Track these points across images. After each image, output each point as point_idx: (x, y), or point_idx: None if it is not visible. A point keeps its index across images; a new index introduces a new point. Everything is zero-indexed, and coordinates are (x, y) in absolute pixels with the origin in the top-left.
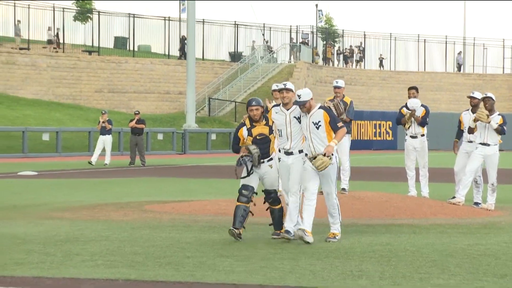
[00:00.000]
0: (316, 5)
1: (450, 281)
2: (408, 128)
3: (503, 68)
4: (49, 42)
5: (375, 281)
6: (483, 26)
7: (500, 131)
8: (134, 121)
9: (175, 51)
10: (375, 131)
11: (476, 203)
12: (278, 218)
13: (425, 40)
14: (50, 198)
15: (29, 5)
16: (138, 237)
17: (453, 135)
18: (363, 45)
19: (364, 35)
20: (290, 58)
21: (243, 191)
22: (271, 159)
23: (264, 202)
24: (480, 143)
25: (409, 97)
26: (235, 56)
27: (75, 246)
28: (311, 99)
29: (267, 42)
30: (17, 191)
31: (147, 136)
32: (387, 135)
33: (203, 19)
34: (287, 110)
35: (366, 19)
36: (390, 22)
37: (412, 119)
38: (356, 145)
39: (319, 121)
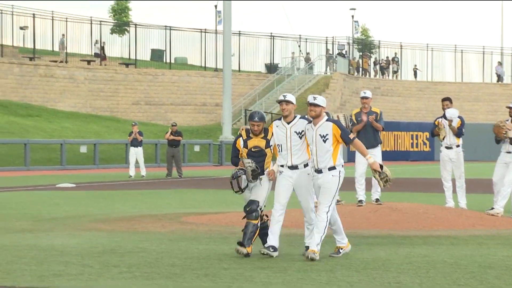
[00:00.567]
0: (352, 16)
1: None
2: (443, 139)
3: None
4: (96, 55)
5: None
6: None
7: None
8: (169, 133)
9: (211, 63)
10: (412, 142)
11: None
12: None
13: (462, 50)
14: (88, 210)
15: (67, 18)
16: (175, 249)
17: (491, 146)
18: (397, 56)
19: (401, 45)
20: (326, 69)
21: (248, 209)
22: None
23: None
24: None
25: (443, 108)
26: (271, 68)
27: (113, 258)
28: (323, 108)
29: (308, 53)
30: (55, 203)
31: (184, 148)
32: (424, 146)
33: (239, 31)
34: (288, 123)
35: (402, 30)
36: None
37: (448, 129)
38: (393, 156)
39: (327, 134)
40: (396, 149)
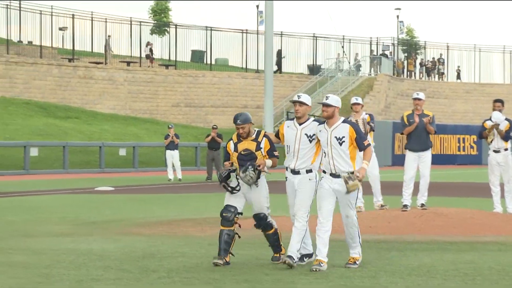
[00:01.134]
0: (397, 16)
1: None
2: (491, 142)
3: None
4: (147, 57)
5: None
6: None
7: None
8: (210, 137)
9: (252, 64)
10: (459, 146)
11: None
12: (273, 242)
13: (510, 51)
14: (127, 213)
15: (106, 18)
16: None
17: None
18: (443, 57)
19: (447, 46)
20: (370, 71)
21: (223, 214)
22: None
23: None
24: None
25: (494, 110)
26: (314, 69)
27: (152, 263)
28: (337, 108)
29: (356, 54)
30: (94, 207)
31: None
32: (471, 149)
33: (281, 32)
34: (300, 125)
35: (448, 30)
36: (473, 33)
37: (496, 132)
38: (440, 160)
39: (343, 137)
40: (442, 153)
